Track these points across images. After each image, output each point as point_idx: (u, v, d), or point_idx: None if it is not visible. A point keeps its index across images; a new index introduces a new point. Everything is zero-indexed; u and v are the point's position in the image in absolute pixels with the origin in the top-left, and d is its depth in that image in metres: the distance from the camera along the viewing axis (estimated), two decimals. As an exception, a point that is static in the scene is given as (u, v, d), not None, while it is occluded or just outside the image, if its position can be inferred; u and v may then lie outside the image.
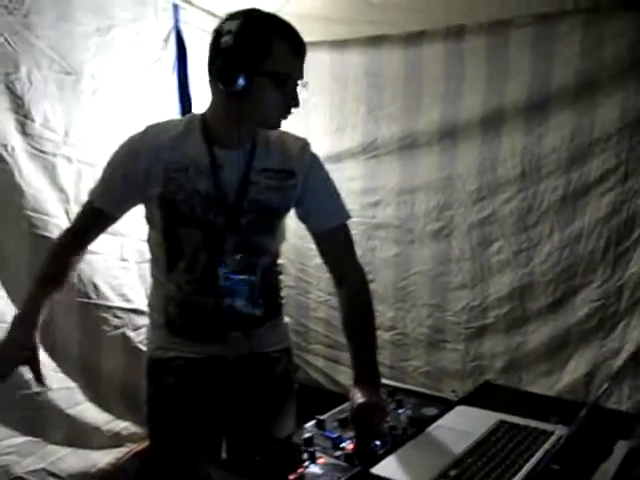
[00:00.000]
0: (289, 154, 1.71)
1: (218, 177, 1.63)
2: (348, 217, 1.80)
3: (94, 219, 1.76)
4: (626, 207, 2.63)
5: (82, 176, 2.66)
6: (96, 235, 1.79)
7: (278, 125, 1.65)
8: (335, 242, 1.78)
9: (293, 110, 1.62)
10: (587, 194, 2.72)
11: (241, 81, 1.52)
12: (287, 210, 1.75)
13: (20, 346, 1.62)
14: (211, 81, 1.61)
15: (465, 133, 3.00)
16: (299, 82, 1.58)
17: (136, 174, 1.64)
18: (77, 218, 1.80)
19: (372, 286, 1.79)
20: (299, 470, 1.39)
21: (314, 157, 1.78)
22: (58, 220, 2.57)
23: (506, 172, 2.90)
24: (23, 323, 1.65)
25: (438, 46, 3.01)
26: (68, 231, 1.80)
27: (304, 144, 1.76)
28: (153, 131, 1.68)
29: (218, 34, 1.56)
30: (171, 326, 1.75)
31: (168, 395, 1.78)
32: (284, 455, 1.47)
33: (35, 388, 2.51)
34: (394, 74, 3.16)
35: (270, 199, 1.67)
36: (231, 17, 1.56)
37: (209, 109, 1.67)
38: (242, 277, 1.68)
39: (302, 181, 1.72)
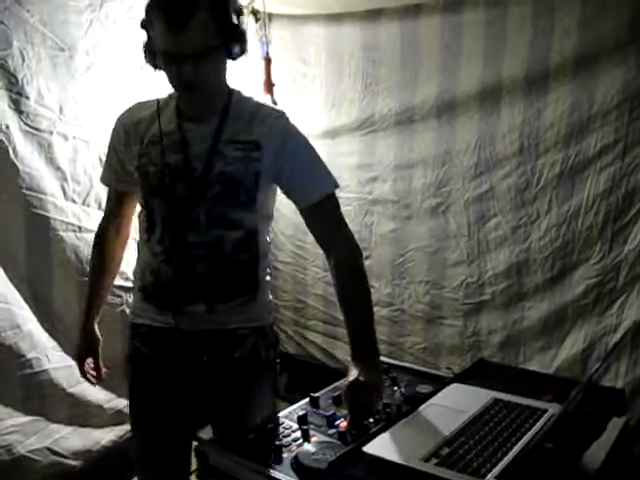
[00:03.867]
0: (259, 126, 1.69)
1: (187, 150, 1.66)
2: (333, 187, 1.75)
3: (114, 200, 1.92)
4: (625, 183, 2.60)
5: (78, 153, 2.65)
6: (127, 215, 1.94)
7: (189, 101, 1.68)
8: (320, 215, 1.74)
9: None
10: (586, 169, 2.69)
11: (146, 58, 1.62)
12: (254, 182, 1.68)
13: (86, 346, 1.98)
14: None
15: (463, 107, 2.96)
16: (190, 55, 1.52)
17: (121, 149, 1.75)
18: (105, 205, 1.97)
19: (369, 262, 1.78)
20: (292, 448, 1.40)
21: (287, 129, 1.73)
22: (55, 199, 2.57)
23: (504, 147, 2.87)
24: (84, 322, 1.98)
25: (435, 19, 2.97)
26: (102, 220, 1.96)
27: (278, 115, 1.72)
28: (135, 107, 1.77)
29: None
30: (144, 292, 1.79)
31: (136, 360, 1.87)
32: (276, 434, 1.48)
33: (36, 368, 2.53)
34: (391, 48, 3.12)
35: (236, 170, 1.66)
36: None
37: None
38: (208, 249, 1.68)
39: (273, 154, 1.68)
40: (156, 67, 1.61)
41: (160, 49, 1.54)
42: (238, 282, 1.75)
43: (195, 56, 1.52)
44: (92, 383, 2.03)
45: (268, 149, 1.67)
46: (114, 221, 1.93)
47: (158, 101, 1.71)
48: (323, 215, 1.75)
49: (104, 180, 1.90)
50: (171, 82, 1.61)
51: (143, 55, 1.62)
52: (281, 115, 1.73)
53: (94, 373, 2.00)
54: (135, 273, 1.87)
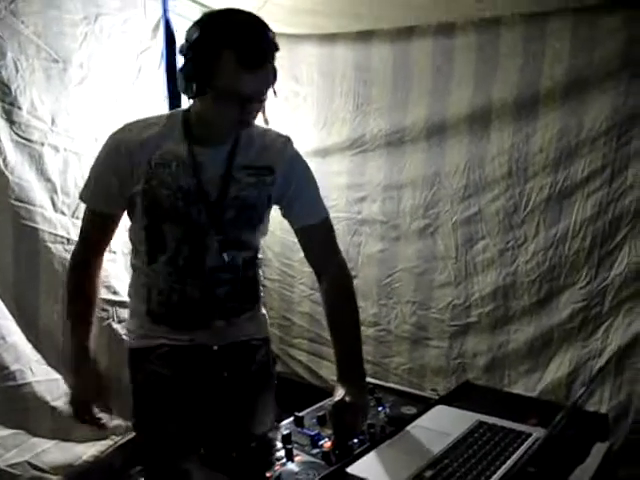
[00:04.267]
0: (270, 151, 1.72)
1: (200, 174, 1.64)
2: (328, 212, 1.81)
3: (94, 222, 1.78)
4: (612, 208, 2.62)
5: (69, 165, 2.64)
6: (105, 238, 1.82)
7: (234, 133, 1.67)
8: (316, 238, 1.79)
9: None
10: (573, 194, 2.71)
11: (192, 91, 1.53)
12: (266, 206, 1.74)
13: (90, 388, 1.69)
14: None
15: (453, 130, 2.99)
16: (256, 97, 1.54)
17: (121, 170, 1.66)
18: (81, 227, 1.81)
19: (356, 282, 1.78)
20: (276, 468, 1.39)
21: (295, 154, 1.78)
22: (44, 210, 2.55)
23: (493, 170, 2.90)
24: (81, 362, 1.71)
25: (427, 42, 3.00)
26: (77, 244, 1.83)
27: (285, 141, 1.77)
28: (135, 127, 1.68)
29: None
30: (152, 315, 1.75)
31: (154, 383, 1.77)
32: (261, 452, 1.47)
33: (19, 380, 2.50)
34: (382, 69, 3.15)
35: (250, 195, 1.69)
36: (196, 22, 1.54)
37: (190, 107, 1.68)
38: (225, 270, 1.70)
39: (283, 177, 1.72)
40: (197, 97, 1.55)
41: (227, 88, 1.48)
42: (247, 297, 1.80)
43: (264, 97, 1.56)
44: (102, 427, 1.72)
45: (279, 173, 1.72)
46: (96, 246, 1.80)
47: (168, 121, 1.69)
48: (318, 237, 1.79)
49: (92, 202, 1.75)
50: (225, 118, 1.55)
51: (184, 84, 1.54)
52: (288, 140, 1.78)
53: (103, 416, 1.72)
54: (136, 295, 1.80)
